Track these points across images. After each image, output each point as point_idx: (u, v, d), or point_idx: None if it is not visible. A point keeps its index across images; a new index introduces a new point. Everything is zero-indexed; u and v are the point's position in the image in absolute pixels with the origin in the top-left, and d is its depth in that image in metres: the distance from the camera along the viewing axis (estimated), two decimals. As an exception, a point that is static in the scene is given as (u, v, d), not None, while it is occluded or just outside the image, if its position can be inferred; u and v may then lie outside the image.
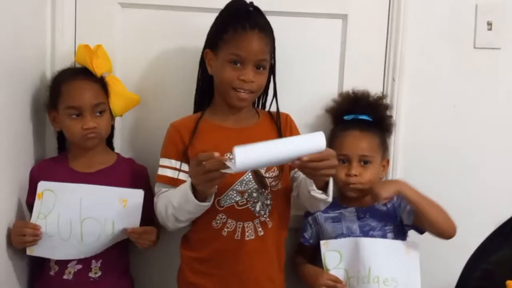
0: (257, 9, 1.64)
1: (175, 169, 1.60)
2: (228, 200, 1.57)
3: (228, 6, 1.65)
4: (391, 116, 1.83)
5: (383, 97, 1.84)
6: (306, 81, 1.87)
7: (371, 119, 1.76)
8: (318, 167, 1.39)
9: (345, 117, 1.78)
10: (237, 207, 1.58)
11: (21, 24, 1.65)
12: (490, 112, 1.93)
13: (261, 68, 1.59)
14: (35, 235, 1.58)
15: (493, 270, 1.94)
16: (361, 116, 1.74)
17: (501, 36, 1.90)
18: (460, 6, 1.89)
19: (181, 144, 1.61)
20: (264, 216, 1.60)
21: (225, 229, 1.58)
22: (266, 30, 1.61)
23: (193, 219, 1.56)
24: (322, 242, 1.67)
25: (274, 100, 1.70)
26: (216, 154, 1.33)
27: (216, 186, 1.45)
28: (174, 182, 1.58)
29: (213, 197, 1.49)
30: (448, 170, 1.93)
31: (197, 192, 1.44)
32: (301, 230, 1.80)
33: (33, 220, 1.59)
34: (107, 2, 1.84)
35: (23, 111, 1.70)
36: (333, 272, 1.65)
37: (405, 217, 1.72)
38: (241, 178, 1.57)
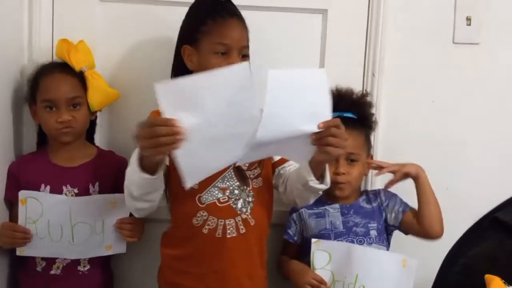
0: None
1: None
2: (209, 197, 1.55)
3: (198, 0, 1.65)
4: (373, 114, 1.83)
5: (366, 94, 1.84)
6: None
7: (355, 117, 1.75)
8: (342, 135, 1.34)
9: None
10: (219, 204, 1.55)
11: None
12: (470, 107, 1.94)
13: (246, 57, 1.58)
14: (26, 238, 1.59)
15: (472, 265, 1.95)
16: (345, 114, 1.72)
17: (480, 31, 1.91)
18: (439, 1, 1.90)
19: None
20: (246, 213, 1.58)
21: (206, 227, 1.55)
22: (242, 19, 1.61)
23: (146, 200, 1.44)
24: (313, 240, 1.65)
25: None
26: (173, 121, 1.23)
27: (165, 159, 1.36)
28: None
29: (160, 173, 1.37)
30: (427, 165, 1.92)
31: (143, 163, 1.34)
32: (286, 227, 1.80)
33: (21, 223, 1.59)
34: (85, -4, 1.82)
35: (1, 106, 1.68)
36: (319, 272, 1.64)
37: (392, 218, 1.73)
38: (223, 175, 1.55)
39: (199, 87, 1.26)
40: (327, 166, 1.47)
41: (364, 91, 1.85)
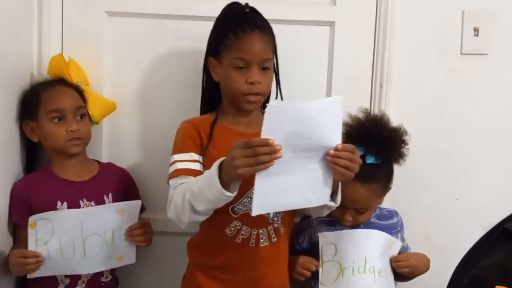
0: (253, 9, 1.63)
1: (197, 161, 1.56)
2: (243, 207, 1.56)
3: (224, 11, 1.64)
4: (404, 150, 1.70)
5: (399, 129, 1.70)
6: (294, 88, 1.85)
7: (379, 162, 1.65)
8: (353, 159, 1.36)
9: None
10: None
11: (8, 35, 1.64)
12: (478, 118, 1.93)
13: (267, 68, 1.58)
14: (38, 262, 1.55)
15: (482, 276, 1.92)
16: (369, 160, 1.64)
17: (487, 42, 1.91)
18: (447, 12, 1.90)
19: (199, 140, 1.58)
20: (277, 222, 1.60)
21: (240, 236, 1.57)
22: (266, 29, 1.60)
23: (208, 214, 1.47)
24: (320, 234, 1.66)
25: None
26: (271, 141, 1.27)
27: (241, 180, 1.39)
28: (197, 174, 1.51)
29: (237, 190, 1.40)
30: (436, 175, 1.93)
31: (222, 180, 1.37)
32: (295, 235, 1.80)
33: (31, 247, 1.55)
34: (94, 11, 1.84)
35: (10, 122, 1.67)
36: (327, 264, 1.64)
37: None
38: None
39: (300, 117, 1.28)
40: (339, 184, 1.47)
41: (399, 126, 1.70)
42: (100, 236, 1.62)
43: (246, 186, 1.46)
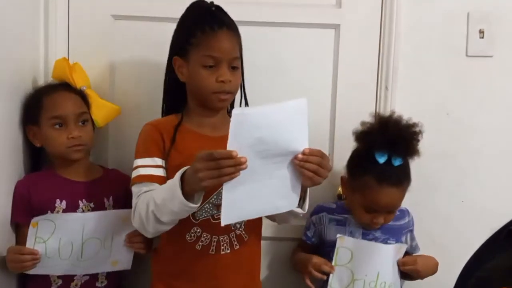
0: (219, 8, 1.59)
1: (159, 166, 1.52)
2: (204, 213, 1.52)
3: (189, 9, 1.60)
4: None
5: (415, 126, 1.67)
6: (299, 91, 1.87)
7: (403, 162, 1.66)
8: (321, 163, 1.35)
9: (378, 157, 1.62)
10: (213, 221, 1.52)
11: (14, 39, 1.64)
12: (484, 120, 1.93)
13: (235, 68, 1.55)
14: (34, 260, 1.55)
15: (488, 278, 1.94)
16: (396, 162, 1.62)
17: (493, 44, 1.91)
18: (452, 14, 1.90)
19: (162, 143, 1.54)
20: (240, 229, 1.57)
21: (200, 243, 1.53)
22: (233, 28, 1.56)
23: (174, 223, 1.45)
24: (338, 236, 1.64)
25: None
26: (235, 153, 1.25)
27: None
28: (160, 180, 1.49)
29: (200, 200, 1.38)
30: (442, 178, 1.93)
31: (184, 191, 1.35)
32: (304, 228, 1.80)
33: (30, 245, 1.55)
34: (99, 14, 1.84)
35: (14, 126, 1.67)
36: (340, 269, 1.63)
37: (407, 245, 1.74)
38: (218, 191, 1.48)
39: (265, 122, 1.27)
40: (308, 190, 1.46)
41: (411, 122, 1.68)
42: (99, 240, 1.61)
43: (208, 192, 1.46)
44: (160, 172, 1.51)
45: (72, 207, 1.65)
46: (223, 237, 1.54)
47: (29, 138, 1.69)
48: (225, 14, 1.58)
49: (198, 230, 1.53)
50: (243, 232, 1.57)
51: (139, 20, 1.86)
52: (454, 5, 1.90)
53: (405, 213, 1.78)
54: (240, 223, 1.56)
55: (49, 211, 1.62)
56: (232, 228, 1.55)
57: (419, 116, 1.78)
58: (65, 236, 1.57)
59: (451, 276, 1.93)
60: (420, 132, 1.66)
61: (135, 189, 1.52)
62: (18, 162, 1.70)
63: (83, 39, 1.85)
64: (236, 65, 1.55)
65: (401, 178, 1.64)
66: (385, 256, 1.64)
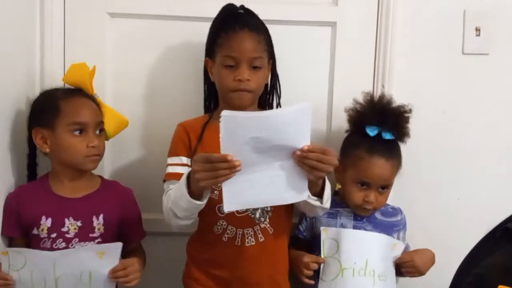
0: (247, 10, 1.65)
1: (185, 165, 1.61)
2: None
3: (219, 12, 1.67)
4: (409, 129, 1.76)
5: (405, 107, 1.74)
6: (296, 88, 1.87)
7: (394, 138, 1.71)
8: (322, 159, 1.36)
9: (369, 131, 1.68)
10: (237, 215, 1.59)
11: (9, 38, 1.63)
12: (479, 118, 1.94)
13: (257, 67, 1.60)
14: (7, 286, 1.48)
15: (484, 275, 1.94)
16: (387, 136, 1.68)
17: (489, 41, 1.91)
18: (448, 12, 1.90)
19: (189, 142, 1.64)
20: (265, 222, 1.62)
21: (225, 235, 1.61)
22: (258, 29, 1.62)
23: (190, 218, 1.53)
24: (322, 228, 1.66)
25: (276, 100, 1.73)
26: (229, 157, 1.31)
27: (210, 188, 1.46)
28: None
29: (207, 198, 1.46)
30: (438, 175, 1.93)
31: (191, 189, 1.43)
32: (298, 222, 1.81)
33: (4, 270, 1.48)
34: (96, 12, 1.84)
35: (11, 130, 1.65)
36: (328, 260, 1.64)
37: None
38: None
39: (261, 125, 1.31)
40: (328, 185, 1.50)
41: (401, 104, 1.74)
42: (74, 276, 1.50)
43: None
44: (186, 170, 1.54)
45: (57, 225, 1.58)
46: (247, 230, 1.60)
47: (35, 141, 1.61)
48: (252, 16, 1.64)
49: (224, 223, 1.60)
50: (268, 226, 1.62)
51: (135, 18, 1.85)
52: (450, 3, 1.90)
53: (397, 211, 1.79)
54: (264, 216, 1.61)
55: (35, 228, 1.57)
56: (256, 222, 1.61)
57: (415, 114, 1.80)
58: (36, 271, 1.49)
59: (447, 273, 1.94)
60: (409, 112, 1.72)
61: (165, 186, 1.62)
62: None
63: (79, 36, 1.84)
64: (258, 65, 1.60)
65: (392, 152, 1.68)
66: (372, 244, 1.64)
